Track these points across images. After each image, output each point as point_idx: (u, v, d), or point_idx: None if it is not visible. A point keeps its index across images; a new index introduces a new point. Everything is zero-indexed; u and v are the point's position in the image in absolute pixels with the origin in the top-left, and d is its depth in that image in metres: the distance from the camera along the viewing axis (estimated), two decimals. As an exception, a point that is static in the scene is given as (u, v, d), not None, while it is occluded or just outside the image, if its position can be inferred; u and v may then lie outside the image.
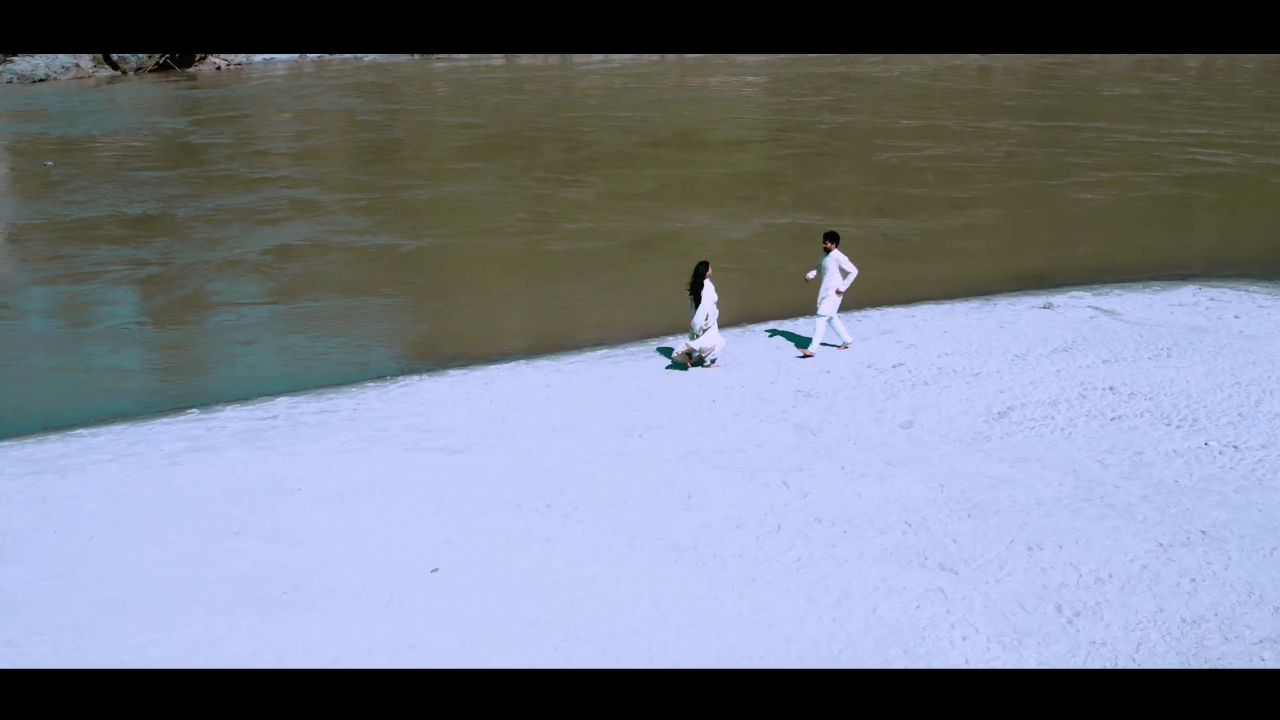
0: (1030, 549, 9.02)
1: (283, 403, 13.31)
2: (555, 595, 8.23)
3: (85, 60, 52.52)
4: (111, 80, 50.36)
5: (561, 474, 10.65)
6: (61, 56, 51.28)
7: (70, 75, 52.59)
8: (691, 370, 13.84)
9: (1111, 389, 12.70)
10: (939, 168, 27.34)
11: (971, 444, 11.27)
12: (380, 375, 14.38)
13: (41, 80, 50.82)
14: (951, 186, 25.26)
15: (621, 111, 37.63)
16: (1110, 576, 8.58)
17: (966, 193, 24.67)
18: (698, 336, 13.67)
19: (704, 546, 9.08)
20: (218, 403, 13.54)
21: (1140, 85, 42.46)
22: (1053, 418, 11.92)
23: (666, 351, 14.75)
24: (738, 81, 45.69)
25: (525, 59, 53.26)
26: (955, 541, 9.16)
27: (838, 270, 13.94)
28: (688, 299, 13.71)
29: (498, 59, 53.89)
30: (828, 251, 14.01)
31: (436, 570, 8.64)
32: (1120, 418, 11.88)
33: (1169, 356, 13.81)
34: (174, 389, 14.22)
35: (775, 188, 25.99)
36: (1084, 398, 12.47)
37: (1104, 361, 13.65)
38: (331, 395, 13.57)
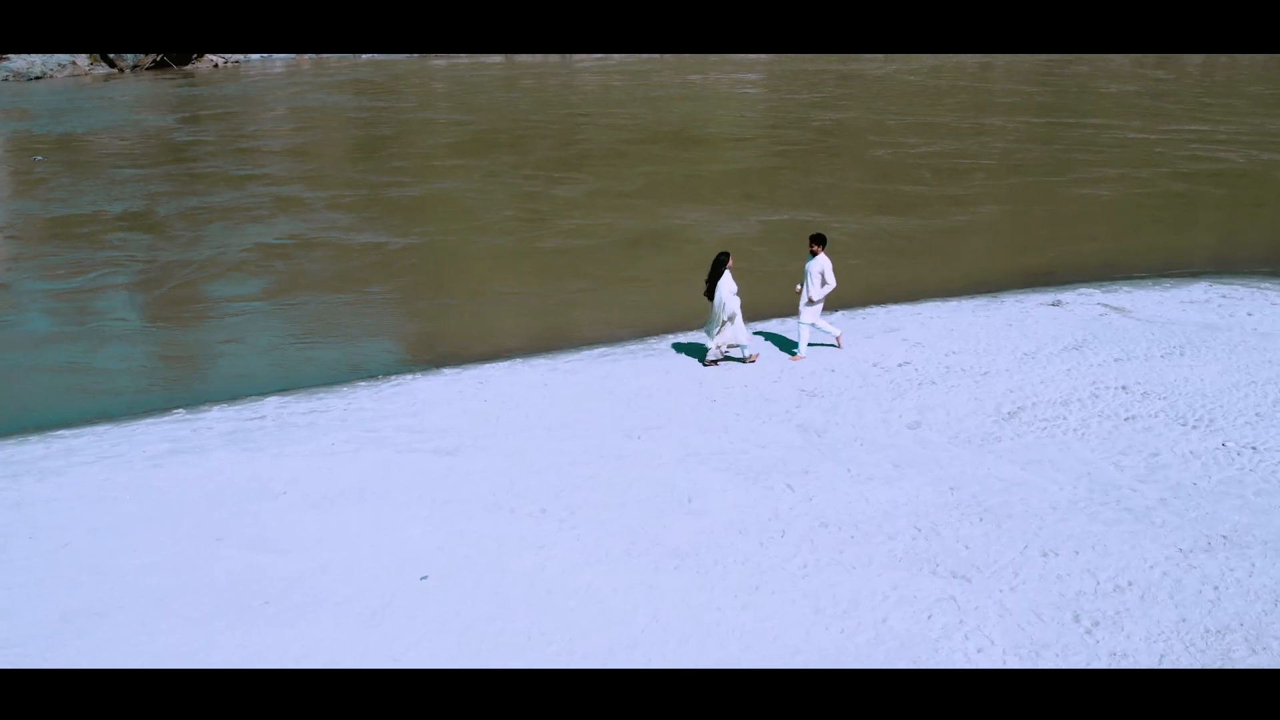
0: (1045, 555, 8.65)
1: (271, 403, 12.92)
2: (549, 605, 7.85)
3: (82, 57, 52.14)
4: (108, 77, 50.02)
5: (557, 476, 10.27)
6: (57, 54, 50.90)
7: (67, 72, 52.23)
8: (692, 369, 13.44)
9: (1124, 388, 12.33)
10: (937, 164, 26.98)
11: (982, 445, 10.90)
12: (372, 374, 14.00)
13: (38, 78, 50.45)
14: (951, 183, 24.90)
15: (613, 108, 37.28)
16: (1129, 584, 8.21)
17: (967, 189, 24.31)
18: (716, 333, 13.24)
19: (705, 553, 8.70)
20: (205, 403, 13.16)
21: (1136, 82, 42.11)
22: (1065, 418, 11.55)
23: (669, 349, 14.38)
24: (731, 79, 45.33)
25: (522, 56, 52.86)
26: (967, 547, 8.79)
27: (819, 276, 13.42)
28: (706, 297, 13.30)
29: (495, 55, 53.49)
30: (814, 255, 13.53)
31: (426, 578, 8.26)
32: (1134, 418, 11.51)
33: (1182, 355, 13.45)
34: (160, 389, 13.84)
35: (771, 185, 25.61)
36: (1096, 397, 12.10)
37: (1115, 360, 13.28)
38: (322, 395, 13.19)
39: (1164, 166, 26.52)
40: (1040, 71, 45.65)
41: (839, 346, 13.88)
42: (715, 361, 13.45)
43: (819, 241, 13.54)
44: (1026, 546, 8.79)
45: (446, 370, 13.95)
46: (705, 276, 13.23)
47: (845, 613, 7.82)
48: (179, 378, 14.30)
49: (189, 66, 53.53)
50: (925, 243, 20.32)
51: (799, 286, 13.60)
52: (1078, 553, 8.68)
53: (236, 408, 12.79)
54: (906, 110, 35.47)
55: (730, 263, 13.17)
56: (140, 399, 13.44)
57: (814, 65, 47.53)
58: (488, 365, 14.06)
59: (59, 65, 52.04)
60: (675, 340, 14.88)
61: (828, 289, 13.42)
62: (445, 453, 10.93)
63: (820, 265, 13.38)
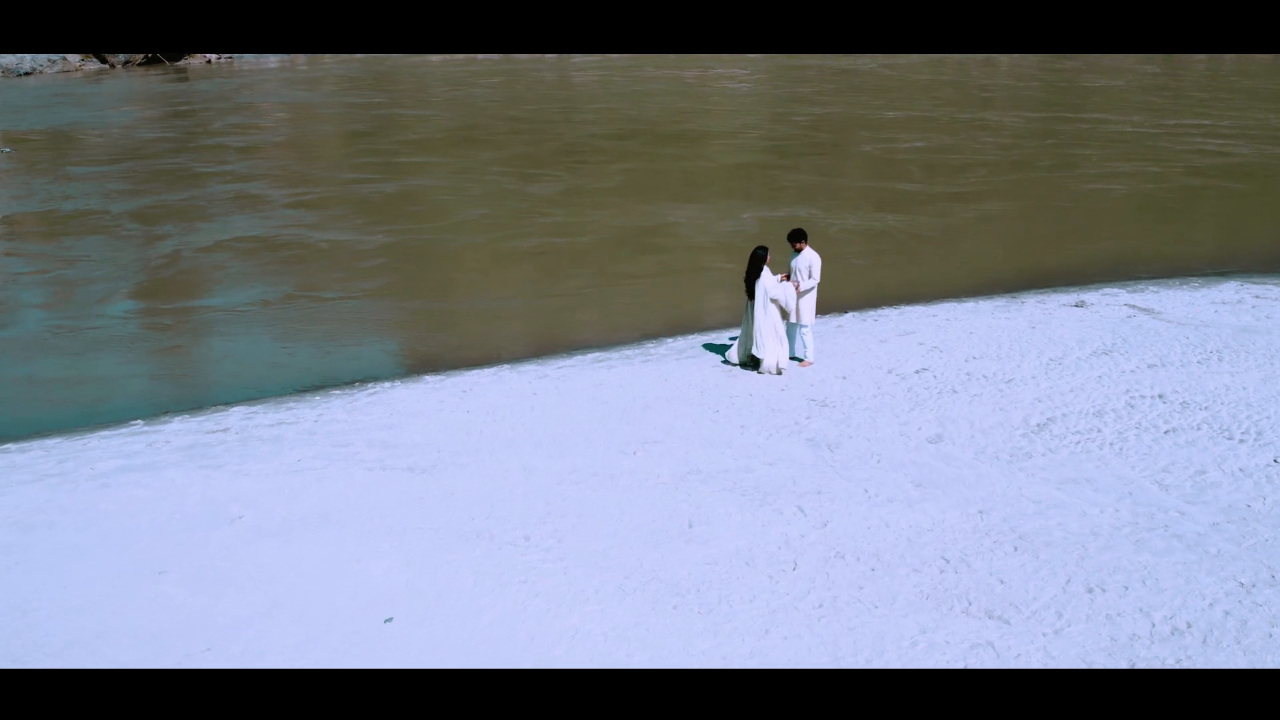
0: (1091, 591, 7.68)
1: (237, 413, 11.92)
2: (529, 656, 6.85)
3: (73, 54, 51.11)
4: (99, 74, 48.98)
5: (543, 498, 9.28)
6: (43, 49, 49.78)
7: (57, 68, 51.19)
8: (692, 376, 12.42)
9: (1161, 397, 11.36)
10: (935, 160, 25.94)
11: (1011, 461, 9.92)
12: (348, 382, 12.99)
13: (27, 74, 49.40)
14: (952, 179, 23.88)
15: (596, 103, 36.23)
16: (1188, 626, 7.24)
17: (969, 186, 23.31)
18: (756, 343, 12.20)
19: (708, 589, 7.72)
20: (165, 413, 12.17)
21: (1126, 76, 41.00)
22: (1099, 430, 10.57)
23: (667, 354, 13.38)
24: (716, 74, 44.25)
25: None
26: (1002, 582, 7.81)
27: (805, 272, 12.35)
28: (746, 297, 12.31)
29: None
30: (799, 252, 12.44)
31: (390, 620, 7.27)
32: (1175, 430, 10.54)
33: (1220, 360, 12.48)
34: (119, 397, 12.82)
35: (761, 181, 24.54)
36: (1131, 407, 11.12)
37: (1149, 366, 12.31)
38: (292, 405, 12.19)
39: (1174, 161, 25.54)
40: (1029, 66, 44.65)
41: (778, 373, 12.33)
42: (765, 369, 12.39)
43: (801, 237, 12.50)
44: (1069, 580, 7.81)
45: (428, 378, 12.95)
46: (742, 275, 12.30)
47: (868, 662, 6.84)
48: (139, 386, 13.25)
49: (181, 63, 52.53)
50: (933, 241, 19.33)
51: (803, 287, 12.58)
52: (1127, 588, 7.71)
53: (199, 419, 11.79)
54: (896, 105, 34.42)
55: (769, 258, 12.16)
56: (98, 408, 12.44)
57: (800, 59, 46.41)
58: (472, 372, 13.05)
59: (49, 61, 51.00)
60: (674, 344, 13.90)
61: (809, 283, 12.37)
62: (421, 471, 9.93)
63: (808, 261, 12.36)
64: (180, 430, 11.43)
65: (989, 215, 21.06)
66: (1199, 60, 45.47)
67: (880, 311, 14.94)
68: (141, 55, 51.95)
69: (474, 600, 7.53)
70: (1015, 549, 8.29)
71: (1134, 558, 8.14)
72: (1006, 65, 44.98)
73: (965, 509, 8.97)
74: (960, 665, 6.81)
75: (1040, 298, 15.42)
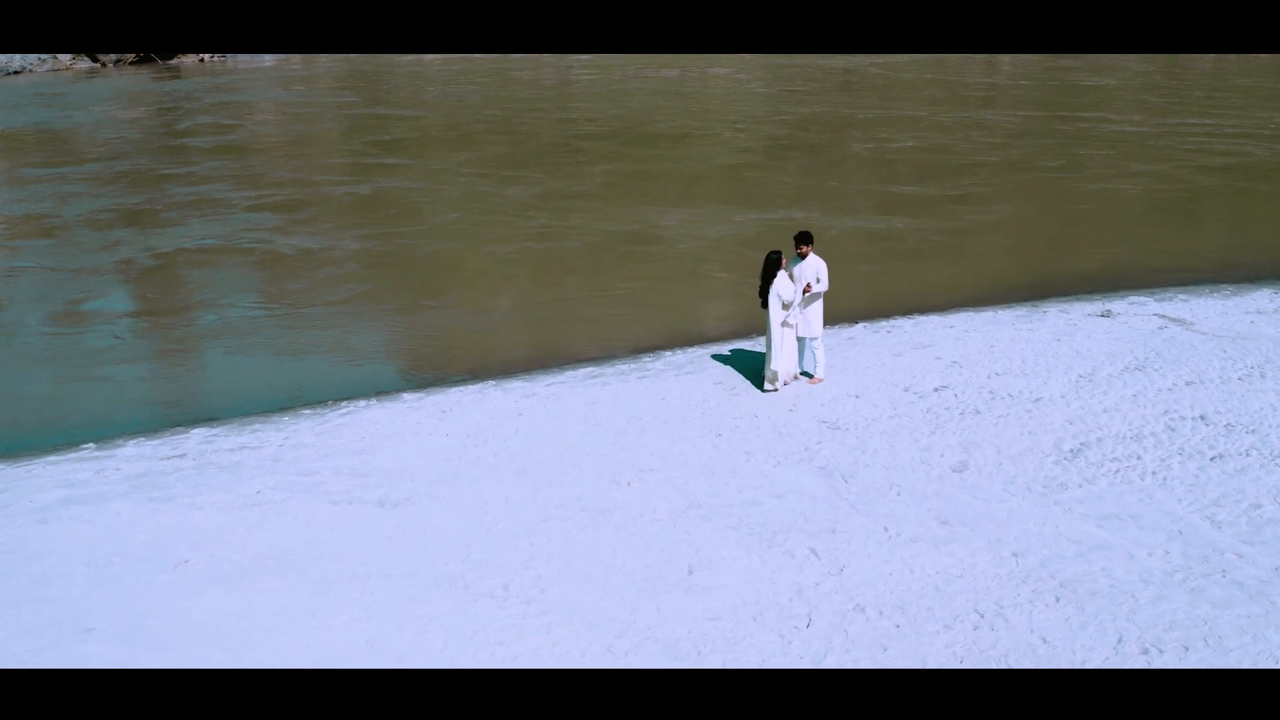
0: (1146, 652, 6.74)
1: (196, 436, 10.97)
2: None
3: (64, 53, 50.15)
4: (91, 73, 48.01)
5: (526, 537, 8.33)
6: (32, 47, 48.76)
7: (47, 67, 50.22)
8: (692, 395, 11.46)
9: (1203, 418, 10.42)
10: (934, 161, 24.92)
11: (1044, 494, 8.97)
12: (320, 400, 12.02)
13: (16, 73, 48.44)
14: (953, 180, 22.86)
15: (588, 102, 35.27)
16: (1263, 695, 6.30)
17: (973, 187, 22.30)
18: (777, 351, 11.21)
19: (711, 650, 6.77)
20: (120, 435, 11.20)
21: (1120, 75, 40.01)
22: (1139, 457, 9.62)
23: (665, 369, 12.42)
24: (703, 73, 43.25)
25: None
26: (1045, 641, 6.87)
27: (814, 279, 11.35)
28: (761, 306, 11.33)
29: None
30: (803, 257, 11.40)
31: (345, 691, 6.31)
32: (1221, 456, 9.59)
33: (1262, 377, 11.53)
34: (73, 415, 11.86)
35: (753, 183, 23.44)
36: (1172, 430, 10.18)
37: (1187, 383, 11.36)
38: (257, 426, 11.23)
39: (1182, 161, 24.57)
40: (1019, 64, 43.66)
41: (775, 387, 11.41)
42: (776, 388, 11.38)
43: (806, 241, 11.48)
44: (1121, 639, 6.87)
45: (406, 396, 11.98)
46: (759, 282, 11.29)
47: (897, 744, 5.89)
48: (92, 405, 12.21)
49: (174, 61, 51.53)
50: (941, 244, 18.35)
51: (816, 288, 11.56)
52: (1187, 648, 6.78)
53: (154, 442, 10.83)
54: (891, 104, 33.40)
55: (784, 262, 11.18)
56: (47, 430, 11.49)
57: (793, 58, 45.36)
58: (454, 389, 12.09)
59: (39, 60, 50.06)
60: (672, 358, 12.94)
61: (820, 288, 11.37)
62: (392, 505, 8.98)
63: (814, 268, 11.35)
64: (133, 455, 10.47)
65: (998, 218, 20.10)
66: (1199, 60, 44.50)
67: (893, 322, 13.97)
68: (133, 54, 51.04)
69: (442, 665, 6.58)
70: (1057, 600, 7.35)
71: (1191, 610, 7.20)
72: (1007, 64, 44.04)
73: (997, 550, 8.03)
74: (1003, 746, 5.86)
75: (1063, 307, 14.46)
